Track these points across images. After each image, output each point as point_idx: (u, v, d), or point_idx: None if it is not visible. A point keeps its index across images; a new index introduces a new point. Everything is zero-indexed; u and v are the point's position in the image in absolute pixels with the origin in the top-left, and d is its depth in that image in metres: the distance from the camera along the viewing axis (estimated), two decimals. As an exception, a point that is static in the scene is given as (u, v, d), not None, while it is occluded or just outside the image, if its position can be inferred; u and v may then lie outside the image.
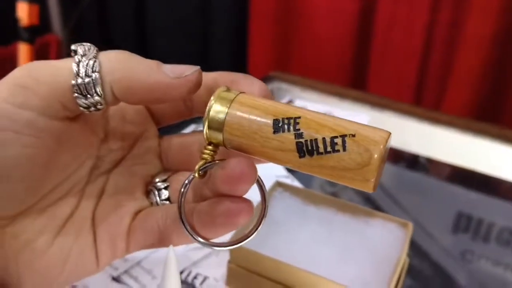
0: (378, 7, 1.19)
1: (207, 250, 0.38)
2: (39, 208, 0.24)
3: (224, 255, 0.37)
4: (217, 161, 0.23)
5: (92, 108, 0.21)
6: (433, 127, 0.65)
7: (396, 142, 0.60)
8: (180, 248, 0.38)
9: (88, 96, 0.21)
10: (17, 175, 0.21)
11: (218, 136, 0.22)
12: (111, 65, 0.21)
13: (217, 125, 0.22)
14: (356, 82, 1.24)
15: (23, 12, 1.20)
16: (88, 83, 0.20)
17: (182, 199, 0.23)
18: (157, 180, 0.26)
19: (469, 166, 0.57)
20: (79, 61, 0.21)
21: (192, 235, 0.23)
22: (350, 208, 0.37)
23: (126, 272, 0.35)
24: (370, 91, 1.19)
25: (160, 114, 0.27)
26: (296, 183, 0.48)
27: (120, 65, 0.21)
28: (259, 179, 0.23)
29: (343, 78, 1.25)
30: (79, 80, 0.20)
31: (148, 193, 0.26)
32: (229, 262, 0.34)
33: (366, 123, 0.21)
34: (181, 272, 0.36)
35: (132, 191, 0.26)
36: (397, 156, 0.59)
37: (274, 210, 0.37)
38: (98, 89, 0.21)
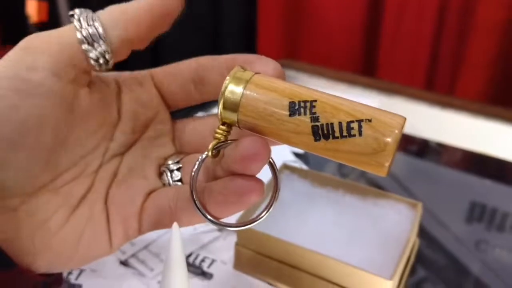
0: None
1: (214, 233, 0.38)
2: (53, 188, 0.24)
3: (231, 238, 0.37)
4: (230, 141, 0.23)
5: (102, 60, 0.22)
6: (444, 111, 0.64)
7: (407, 127, 0.59)
8: (188, 232, 0.38)
9: (95, 44, 0.21)
10: (29, 141, 0.21)
11: (232, 117, 0.22)
12: (107, 10, 0.22)
13: (232, 106, 0.21)
14: (366, 70, 1.23)
15: (33, 9, 1.21)
16: (92, 32, 0.21)
17: (195, 177, 0.23)
18: (169, 162, 0.26)
19: (482, 150, 0.55)
20: (79, 18, 0.21)
21: (203, 214, 0.23)
22: (358, 189, 0.36)
23: (133, 255, 0.35)
24: (380, 78, 1.18)
25: (172, 98, 0.26)
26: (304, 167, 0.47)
27: (115, 7, 0.22)
28: (272, 161, 0.23)
29: (354, 66, 1.24)
30: (84, 32, 0.21)
31: (160, 174, 0.26)
32: (237, 244, 0.34)
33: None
34: (189, 255, 0.36)
35: (144, 173, 0.26)
36: (407, 142, 0.58)
37: (282, 192, 0.37)
38: (102, 33, 0.21)
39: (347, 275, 0.30)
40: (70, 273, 0.33)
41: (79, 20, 0.21)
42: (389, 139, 0.19)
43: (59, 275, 0.27)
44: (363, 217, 0.35)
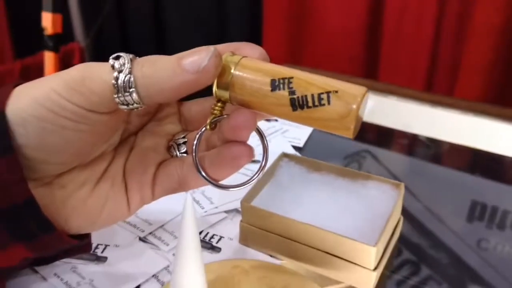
0: (387, 1, 1.22)
1: (222, 215, 0.43)
2: (81, 165, 0.29)
3: (237, 219, 0.42)
4: (224, 115, 0.28)
5: (131, 107, 0.26)
6: (436, 109, 0.68)
7: (401, 125, 0.63)
8: (199, 214, 0.42)
9: (129, 105, 0.25)
10: (71, 150, 0.27)
11: (225, 95, 0.27)
12: (143, 80, 0.25)
13: (224, 85, 0.26)
14: (367, 74, 1.27)
15: (47, 22, 1.27)
16: (126, 96, 0.25)
17: (196, 146, 0.28)
18: (176, 137, 0.31)
19: (478, 147, 0.57)
20: (117, 78, 0.25)
21: (204, 177, 0.28)
22: (349, 173, 0.41)
23: (151, 233, 0.40)
24: (381, 81, 1.22)
25: None
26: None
27: (150, 79, 0.25)
28: (259, 128, 0.28)
29: (355, 70, 1.28)
30: (120, 96, 0.25)
31: (169, 148, 0.31)
32: (241, 221, 0.39)
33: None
34: (200, 233, 0.40)
35: (155, 147, 0.31)
36: (400, 137, 0.62)
37: (281, 177, 0.42)
38: (136, 98, 0.25)
39: (338, 244, 0.35)
40: (97, 247, 0.38)
41: (116, 81, 0.25)
42: (353, 106, 0.24)
43: (89, 241, 0.32)
44: (352, 196, 0.39)
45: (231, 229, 0.41)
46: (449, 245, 0.41)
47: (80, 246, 0.32)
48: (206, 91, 0.29)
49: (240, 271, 0.36)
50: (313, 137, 0.57)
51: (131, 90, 0.25)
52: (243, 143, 0.28)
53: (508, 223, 0.44)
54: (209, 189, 0.46)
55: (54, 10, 1.27)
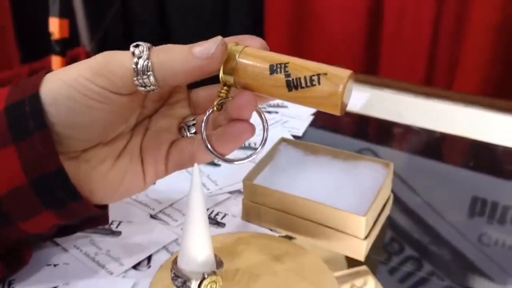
0: (386, 2, 1.25)
1: (227, 195, 0.46)
2: (103, 143, 0.33)
3: (239, 198, 0.45)
4: (230, 98, 0.31)
5: (148, 89, 0.30)
6: (427, 100, 0.71)
7: (393, 116, 0.66)
8: (206, 193, 0.46)
9: (146, 87, 0.29)
10: (95, 128, 0.31)
11: (230, 79, 0.31)
12: (159, 65, 0.29)
13: (229, 71, 0.30)
14: (368, 73, 1.31)
15: (54, 27, 1.31)
16: (145, 78, 0.29)
17: (205, 124, 0.32)
18: (186, 120, 0.35)
19: (476, 138, 0.59)
20: (137, 63, 0.29)
21: (212, 152, 0.32)
22: (343, 155, 0.45)
23: (161, 211, 0.44)
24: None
25: None
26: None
27: (165, 65, 0.29)
28: (259, 109, 0.32)
29: (356, 70, 1.30)
30: (139, 78, 0.29)
31: (180, 129, 0.35)
32: (243, 199, 0.42)
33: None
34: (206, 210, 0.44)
35: (168, 128, 0.34)
36: (399, 134, 0.64)
37: (279, 159, 0.45)
38: (152, 81, 0.29)
39: (331, 216, 0.38)
40: (111, 223, 0.42)
41: (136, 66, 0.28)
42: (340, 86, 0.27)
43: (107, 214, 0.36)
44: (345, 175, 0.43)
45: (234, 208, 0.44)
46: (450, 241, 0.43)
47: (99, 218, 0.36)
48: (211, 80, 0.33)
49: (243, 241, 0.39)
50: (311, 129, 0.60)
51: (148, 73, 0.28)
52: (246, 121, 0.32)
53: (509, 218, 0.46)
54: (214, 172, 0.49)
55: (61, 15, 1.31)
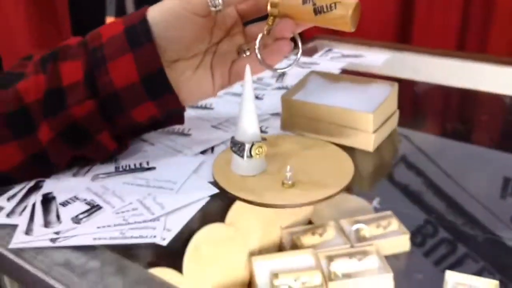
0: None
1: (267, 115, 0.60)
2: (185, 58, 0.47)
3: (278, 118, 0.58)
4: (275, 25, 0.45)
5: (217, 8, 0.44)
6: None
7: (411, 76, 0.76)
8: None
9: (216, 7, 0.44)
10: (183, 42, 0.46)
11: (274, 11, 0.45)
12: None
13: (274, 4, 0.44)
14: (401, 40, 1.34)
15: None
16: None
17: (259, 43, 0.46)
18: (243, 45, 0.49)
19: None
20: None
21: (263, 63, 0.46)
22: (359, 80, 0.57)
23: (219, 123, 0.58)
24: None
25: (243, 13, 0.49)
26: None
27: None
28: (296, 35, 0.46)
29: (388, 36, 1.34)
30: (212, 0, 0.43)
31: (238, 52, 0.49)
32: (282, 112, 0.56)
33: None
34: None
35: (230, 51, 0.49)
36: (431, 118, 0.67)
37: (309, 85, 0.59)
38: (219, 2, 0.43)
39: (347, 116, 0.51)
40: (183, 128, 0.56)
41: None
42: (349, 8, 0.41)
43: (183, 114, 0.51)
44: (361, 93, 0.56)
45: (274, 123, 0.58)
46: (483, 223, 0.43)
47: (178, 117, 0.51)
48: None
49: (281, 138, 0.53)
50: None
51: None
52: (286, 39, 0.46)
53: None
54: (258, 103, 0.63)
55: (117, 15, 1.48)
